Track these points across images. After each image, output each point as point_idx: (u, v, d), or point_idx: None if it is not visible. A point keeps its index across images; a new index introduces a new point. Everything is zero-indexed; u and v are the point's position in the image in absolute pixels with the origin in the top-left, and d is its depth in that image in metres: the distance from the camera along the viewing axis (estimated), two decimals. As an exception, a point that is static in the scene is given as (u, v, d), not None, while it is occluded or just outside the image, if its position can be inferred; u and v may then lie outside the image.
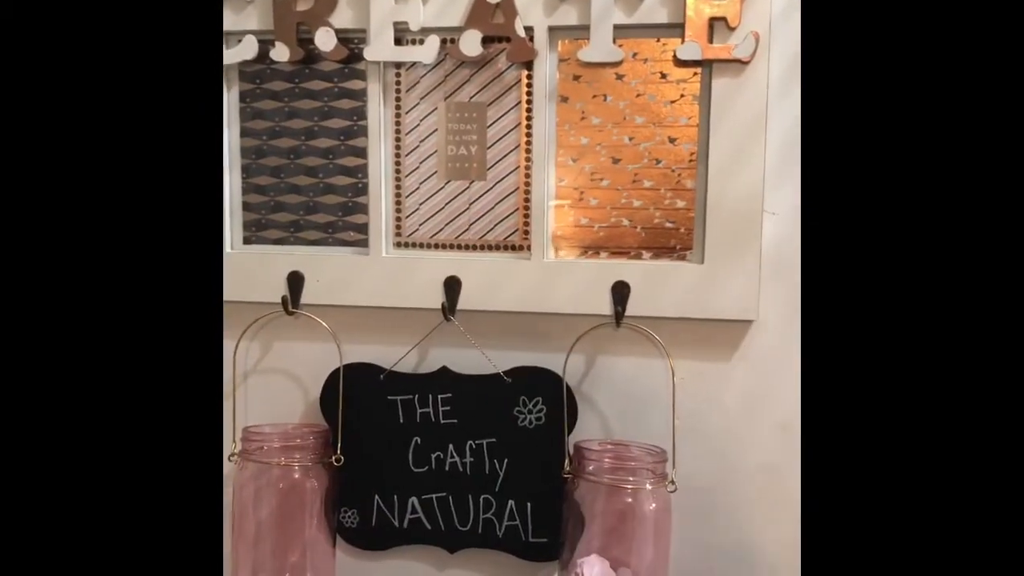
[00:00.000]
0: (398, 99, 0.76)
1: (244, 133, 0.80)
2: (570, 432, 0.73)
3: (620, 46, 0.71)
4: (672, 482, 0.69)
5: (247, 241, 0.81)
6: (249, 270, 0.78)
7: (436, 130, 0.76)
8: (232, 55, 0.77)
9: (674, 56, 0.70)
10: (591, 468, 0.70)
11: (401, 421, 0.76)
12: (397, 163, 0.77)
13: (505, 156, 0.75)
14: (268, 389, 0.81)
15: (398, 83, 0.76)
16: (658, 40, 0.72)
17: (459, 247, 0.77)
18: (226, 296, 0.75)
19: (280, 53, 0.76)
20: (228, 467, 0.76)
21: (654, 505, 0.69)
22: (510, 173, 0.75)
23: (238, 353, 0.80)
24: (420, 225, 0.77)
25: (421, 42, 0.74)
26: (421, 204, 0.77)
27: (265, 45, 0.76)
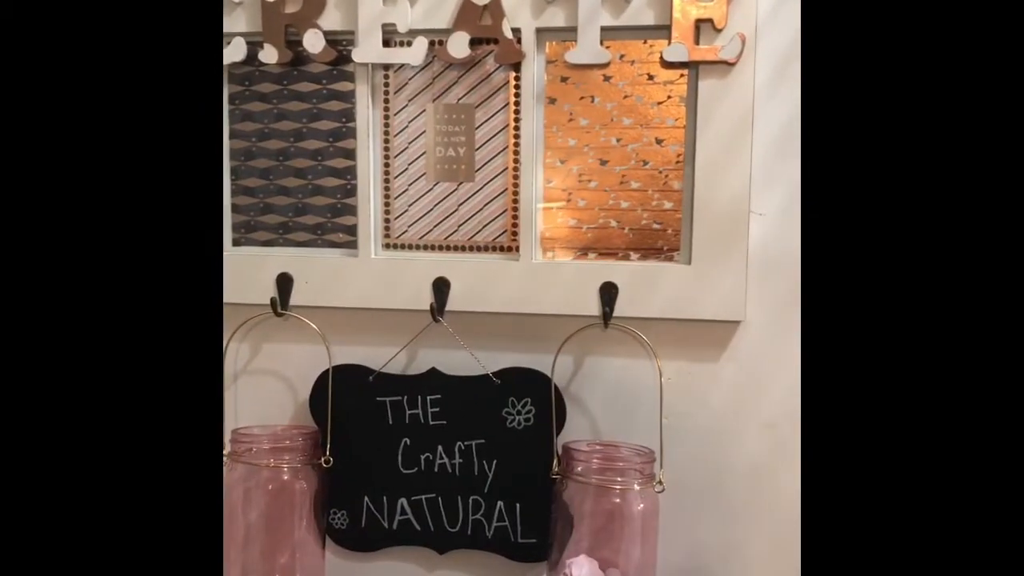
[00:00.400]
0: (386, 101, 0.77)
1: (233, 135, 0.80)
2: (559, 433, 0.73)
3: (607, 48, 0.71)
4: (660, 482, 0.70)
5: (236, 243, 0.81)
6: (238, 272, 0.78)
7: (424, 132, 0.76)
8: (221, 57, 0.77)
9: (661, 58, 0.70)
10: (579, 469, 0.70)
11: (390, 422, 0.76)
12: (386, 165, 0.77)
13: (493, 158, 0.75)
14: (257, 390, 0.81)
15: (386, 85, 0.76)
16: (645, 42, 0.72)
17: (448, 248, 0.77)
18: (215, 298, 0.75)
19: (268, 55, 0.76)
20: (217, 469, 0.76)
21: (642, 505, 0.69)
22: (498, 175, 0.75)
23: (227, 355, 0.80)
24: (409, 227, 0.78)
25: (409, 44, 0.74)
26: (410, 206, 0.77)
27: (254, 47, 0.77)
